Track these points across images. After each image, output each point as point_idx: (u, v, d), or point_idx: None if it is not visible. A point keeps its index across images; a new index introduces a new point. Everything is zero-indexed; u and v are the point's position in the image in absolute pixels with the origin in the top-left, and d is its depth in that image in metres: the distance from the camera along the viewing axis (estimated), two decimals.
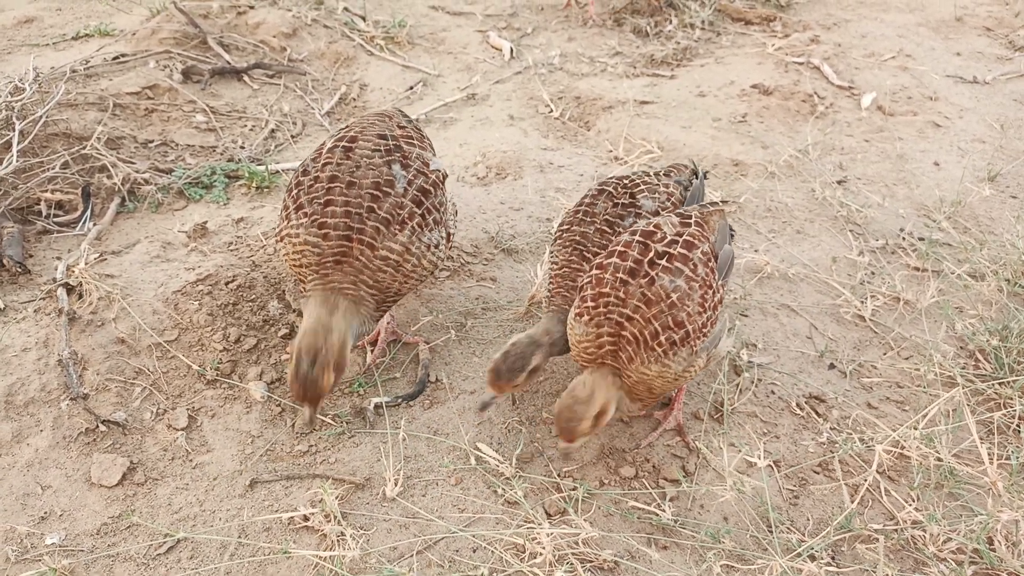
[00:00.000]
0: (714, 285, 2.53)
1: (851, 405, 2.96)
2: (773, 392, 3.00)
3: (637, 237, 2.54)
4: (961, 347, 3.22)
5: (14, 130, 3.87)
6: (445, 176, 2.87)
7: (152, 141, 4.37)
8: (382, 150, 2.72)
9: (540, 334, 2.63)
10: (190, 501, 2.48)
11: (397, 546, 2.39)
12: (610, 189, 2.90)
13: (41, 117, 4.05)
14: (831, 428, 2.85)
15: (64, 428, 2.63)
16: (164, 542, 2.36)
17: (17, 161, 3.74)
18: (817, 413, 2.92)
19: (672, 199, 2.89)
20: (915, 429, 2.77)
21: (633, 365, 2.42)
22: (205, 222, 3.66)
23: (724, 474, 2.62)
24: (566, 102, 4.92)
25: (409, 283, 2.69)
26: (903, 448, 2.75)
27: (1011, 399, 2.93)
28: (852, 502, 2.57)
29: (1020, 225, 3.90)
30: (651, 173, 3.00)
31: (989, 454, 2.69)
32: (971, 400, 2.96)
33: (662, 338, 2.39)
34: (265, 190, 4.01)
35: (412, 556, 2.36)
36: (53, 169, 3.94)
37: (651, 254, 2.48)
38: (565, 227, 2.86)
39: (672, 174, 3.04)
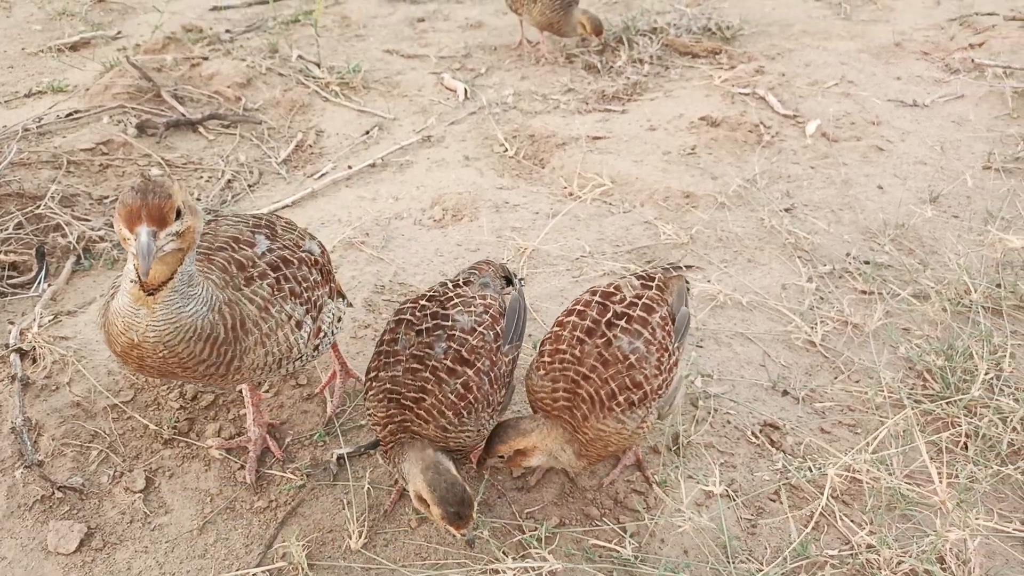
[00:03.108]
0: (670, 348, 2.56)
1: (804, 431, 3.02)
2: (729, 422, 3.06)
3: (596, 297, 2.58)
4: (909, 368, 3.31)
5: None
6: (320, 255, 2.66)
7: (107, 197, 4.37)
8: (250, 222, 2.57)
9: (432, 458, 2.34)
10: (149, 565, 2.46)
11: None
12: (408, 317, 2.54)
13: None
14: (785, 455, 2.91)
15: (19, 497, 2.60)
16: None
17: None
18: (772, 441, 2.98)
19: (490, 311, 2.58)
20: (864, 452, 2.84)
21: (588, 423, 2.43)
22: None
23: (683, 507, 2.66)
24: (520, 140, 5.01)
25: (260, 355, 2.36)
26: (855, 472, 2.81)
27: (958, 417, 3.02)
28: (807, 528, 2.62)
29: (962, 245, 4.03)
30: (455, 282, 2.71)
31: (939, 473, 2.76)
32: (920, 420, 3.04)
33: (620, 398, 2.41)
34: None
35: None
36: (6, 230, 3.93)
37: (609, 314, 2.51)
38: (372, 374, 2.50)
39: (474, 277, 2.76)
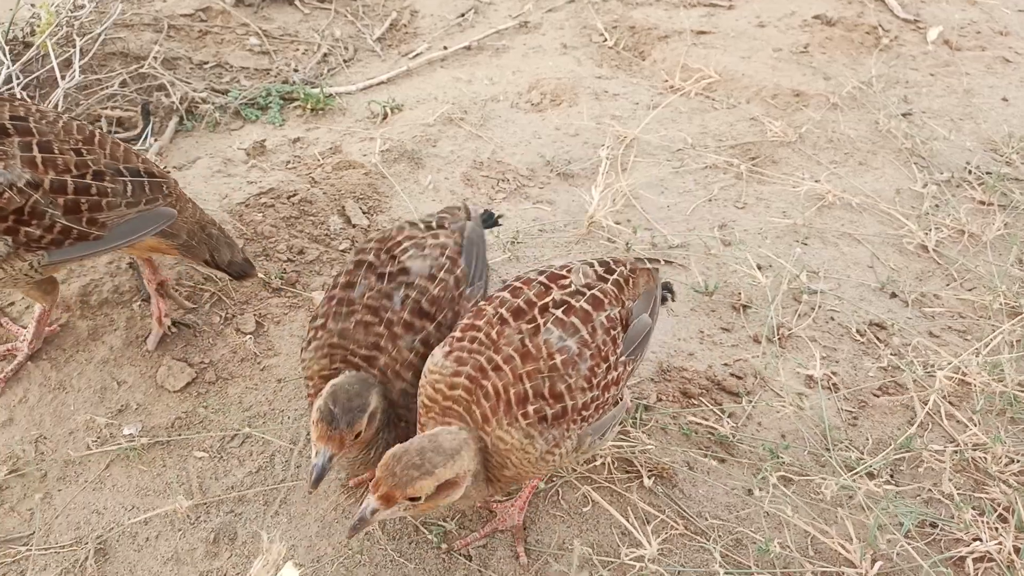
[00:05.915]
0: (611, 359, 1.97)
1: (912, 333, 2.93)
2: (833, 318, 2.98)
3: (541, 278, 2.04)
4: None
5: (75, 47, 3.91)
6: None
7: (207, 63, 4.38)
8: None
9: (366, 376, 1.98)
10: (259, 400, 2.55)
11: None
12: (370, 258, 2.15)
13: (99, 35, 4.07)
14: (892, 354, 2.83)
15: (137, 328, 2.70)
16: (235, 435, 2.44)
17: (79, 76, 3.78)
18: (878, 339, 2.90)
19: (447, 252, 2.17)
20: (977, 356, 2.74)
21: (489, 426, 1.84)
22: (263, 140, 3.68)
23: (782, 393, 2.62)
24: (620, 31, 4.83)
25: None
26: (965, 375, 2.72)
27: None
28: (913, 424, 2.56)
29: None
30: (415, 223, 2.29)
31: None
32: None
33: (530, 408, 1.83)
34: (320, 112, 4.01)
35: None
36: (112, 87, 3.98)
37: (548, 299, 1.97)
38: (319, 323, 2.08)
39: (446, 221, 2.32)
